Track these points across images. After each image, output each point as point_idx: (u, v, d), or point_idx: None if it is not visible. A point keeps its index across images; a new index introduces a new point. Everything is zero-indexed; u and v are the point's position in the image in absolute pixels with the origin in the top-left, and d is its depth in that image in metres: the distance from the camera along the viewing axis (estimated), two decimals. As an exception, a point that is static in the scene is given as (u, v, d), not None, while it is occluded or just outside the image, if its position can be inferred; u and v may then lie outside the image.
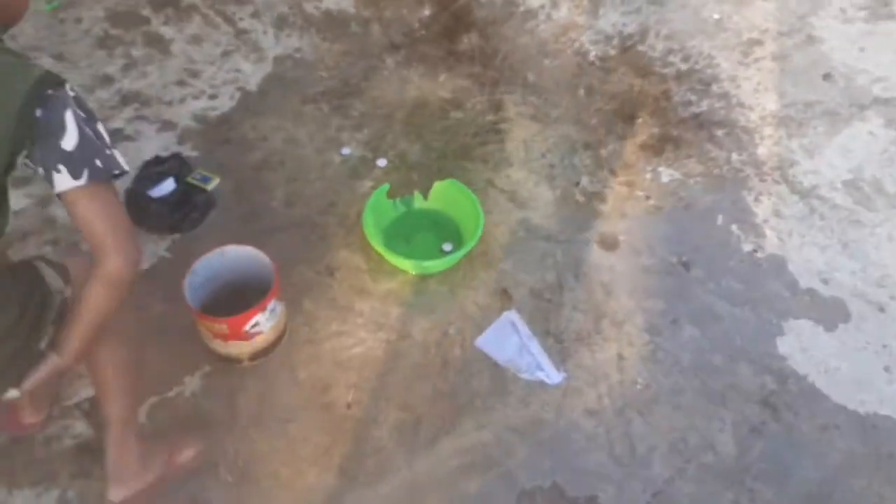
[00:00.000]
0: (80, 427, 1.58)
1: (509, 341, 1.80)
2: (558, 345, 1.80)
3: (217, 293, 1.72)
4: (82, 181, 1.05)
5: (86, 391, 1.62)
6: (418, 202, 2.05)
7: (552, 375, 1.74)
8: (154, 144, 2.11)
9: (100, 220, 1.08)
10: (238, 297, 1.65)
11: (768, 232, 2.08)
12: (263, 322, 1.59)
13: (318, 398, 1.66)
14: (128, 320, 1.32)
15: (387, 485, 1.54)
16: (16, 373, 1.17)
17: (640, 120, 2.37)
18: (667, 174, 2.22)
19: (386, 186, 1.98)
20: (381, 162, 2.17)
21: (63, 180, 1.05)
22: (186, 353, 1.70)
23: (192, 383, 1.67)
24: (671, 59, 2.57)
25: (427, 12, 2.67)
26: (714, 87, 2.48)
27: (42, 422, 1.59)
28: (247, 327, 1.56)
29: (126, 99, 2.20)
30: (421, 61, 2.50)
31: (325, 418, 1.63)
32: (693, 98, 2.45)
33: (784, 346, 1.83)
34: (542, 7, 2.74)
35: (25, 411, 1.56)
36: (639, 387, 1.73)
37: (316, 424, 1.62)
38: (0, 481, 1.50)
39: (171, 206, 1.92)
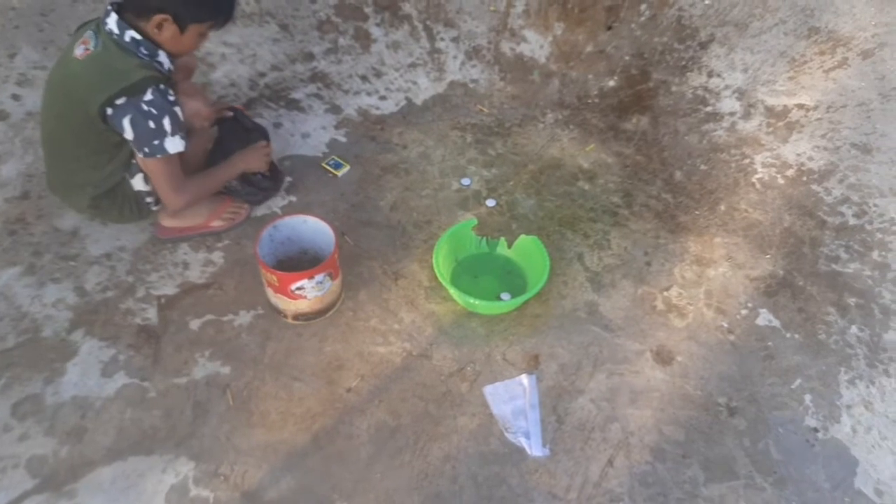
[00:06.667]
0: (151, 314, 2.07)
1: (514, 402, 1.97)
2: (557, 425, 1.93)
3: (298, 254, 2.15)
4: (140, 156, 1.90)
5: (167, 288, 2.11)
6: (501, 247, 2.29)
7: (535, 447, 1.89)
8: (318, 120, 2.59)
9: (153, 176, 1.97)
10: (312, 263, 2.03)
11: (845, 419, 2.00)
12: (308, 289, 1.95)
13: (329, 373, 1.99)
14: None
15: (343, 468, 1.82)
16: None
17: (769, 256, 2.38)
18: (765, 318, 2.21)
19: (473, 221, 2.25)
20: (491, 202, 2.44)
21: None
22: (255, 292, 2.12)
23: (244, 317, 2.09)
24: (843, 209, 2.52)
25: (611, 83, 2.88)
26: (875, 255, 2.39)
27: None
28: (292, 287, 1.93)
29: (315, 77, 2.72)
30: (579, 126, 2.72)
31: (325, 391, 1.95)
32: (844, 256, 2.39)
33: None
34: (733, 114, 2.80)
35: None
36: (609, 498, 1.82)
37: (316, 392, 1.94)
38: (84, 329, 2.02)
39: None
